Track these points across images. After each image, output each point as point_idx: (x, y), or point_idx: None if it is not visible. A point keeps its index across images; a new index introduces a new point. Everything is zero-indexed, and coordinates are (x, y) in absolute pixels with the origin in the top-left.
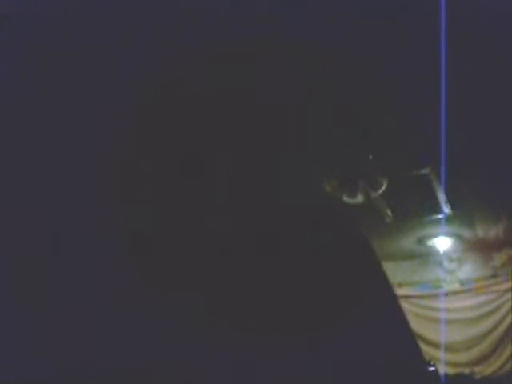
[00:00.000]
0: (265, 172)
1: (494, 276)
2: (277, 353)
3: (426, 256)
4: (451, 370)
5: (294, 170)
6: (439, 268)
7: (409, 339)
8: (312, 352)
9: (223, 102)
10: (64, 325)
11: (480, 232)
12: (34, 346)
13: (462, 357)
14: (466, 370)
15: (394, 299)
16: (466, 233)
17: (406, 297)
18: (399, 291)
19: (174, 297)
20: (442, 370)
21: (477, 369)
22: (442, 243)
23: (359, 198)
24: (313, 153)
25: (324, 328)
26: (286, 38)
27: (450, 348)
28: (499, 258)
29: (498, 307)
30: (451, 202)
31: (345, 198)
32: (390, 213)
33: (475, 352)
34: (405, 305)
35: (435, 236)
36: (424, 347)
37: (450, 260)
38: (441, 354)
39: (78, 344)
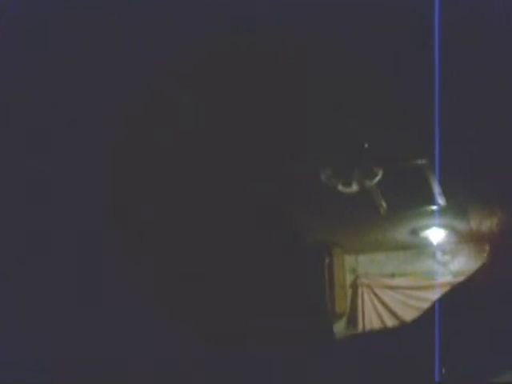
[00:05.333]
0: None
1: None
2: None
3: (419, 247)
4: None
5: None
6: (432, 260)
7: None
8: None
9: (220, 94)
10: (60, 325)
11: (473, 224)
12: (30, 345)
13: None
14: None
15: None
16: (460, 225)
17: (399, 288)
18: (392, 282)
19: (171, 299)
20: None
21: None
22: (435, 235)
23: (354, 188)
24: (307, 141)
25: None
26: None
27: None
28: None
29: None
30: (445, 193)
31: (339, 187)
32: (383, 203)
33: None
34: (397, 296)
35: (428, 227)
36: None
37: (443, 252)
38: None
39: (75, 345)
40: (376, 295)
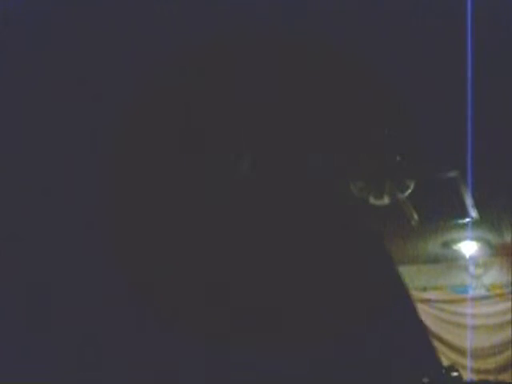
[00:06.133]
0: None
1: None
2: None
3: (452, 260)
4: (476, 377)
5: (319, 170)
6: (465, 273)
7: (425, 343)
8: (323, 354)
9: (229, 98)
10: (59, 330)
11: (507, 237)
12: (31, 350)
13: (487, 363)
14: (491, 377)
15: (410, 303)
16: (493, 238)
17: (431, 301)
18: (424, 295)
19: (171, 303)
20: (467, 376)
21: (501, 376)
22: (468, 248)
23: (385, 200)
24: (339, 153)
25: (337, 330)
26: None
27: (474, 354)
28: None
29: None
30: (478, 206)
31: (371, 200)
32: (416, 215)
33: (500, 359)
34: (429, 309)
35: (461, 240)
36: (448, 353)
37: (476, 265)
38: (466, 360)
39: (75, 350)
40: None
